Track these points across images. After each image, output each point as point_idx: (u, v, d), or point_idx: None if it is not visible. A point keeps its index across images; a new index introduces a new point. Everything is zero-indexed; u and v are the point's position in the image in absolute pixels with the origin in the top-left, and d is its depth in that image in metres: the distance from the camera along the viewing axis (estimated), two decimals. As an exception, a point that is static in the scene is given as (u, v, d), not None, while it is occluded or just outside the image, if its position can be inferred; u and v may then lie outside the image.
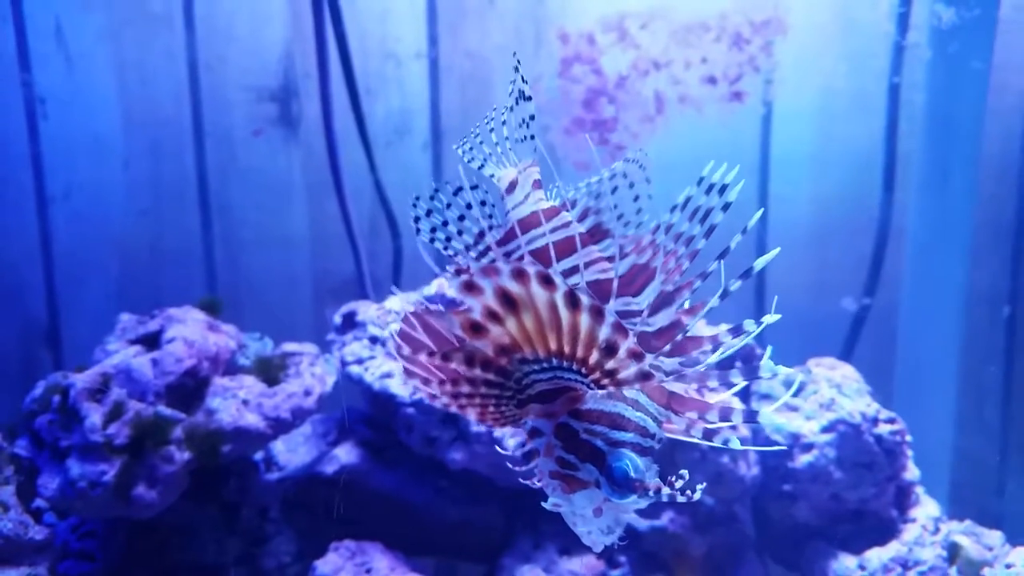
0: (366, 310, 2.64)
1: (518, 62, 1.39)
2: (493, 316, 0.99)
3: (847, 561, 2.55)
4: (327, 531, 2.53)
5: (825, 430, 2.53)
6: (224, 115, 3.89)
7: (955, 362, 3.53)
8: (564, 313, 0.98)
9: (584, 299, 0.97)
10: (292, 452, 2.67)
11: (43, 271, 3.91)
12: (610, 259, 1.18)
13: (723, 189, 1.11)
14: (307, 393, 2.35)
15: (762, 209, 1.13)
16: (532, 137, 1.34)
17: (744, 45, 3.06)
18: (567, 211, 1.28)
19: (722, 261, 1.05)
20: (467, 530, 2.62)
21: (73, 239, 3.91)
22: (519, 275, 0.96)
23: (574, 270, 1.14)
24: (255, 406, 2.30)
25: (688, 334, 1.06)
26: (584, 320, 0.98)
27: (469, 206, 1.31)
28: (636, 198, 1.30)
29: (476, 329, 1.01)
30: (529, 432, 1.10)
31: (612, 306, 1.04)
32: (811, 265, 3.90)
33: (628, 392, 1.05)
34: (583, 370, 1.04)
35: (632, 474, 1.02)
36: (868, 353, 3.62)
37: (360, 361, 2.53)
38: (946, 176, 3.32)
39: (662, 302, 1.10)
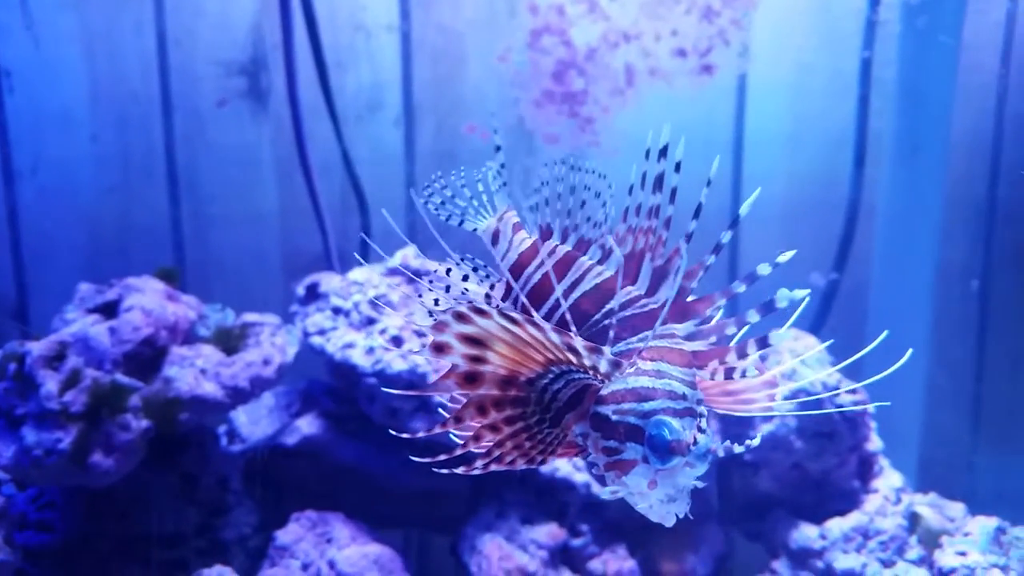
0: (329, 281, 2.62)
1: (495, 131, 1.39)
2: (475, 360, 1.00)
3: (808, 530, 2.57)
4: (289, 502, 2.52)
5: (786, 399, 2.53)
6: (193, 89, 3.84)
7: (925, 337, 3.55)
8: (517, 331, 1.00)
9: (516, 315, 0.99)
10: (255, 424, 2.65)
11: (10, 246, 3.86)
12: (600, 263, 1.21)
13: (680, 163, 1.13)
14: (266, 362, 2.34)
15: (759, 188, 1.14)
16: (505, 184, 1.37)
17: (714, 18, 3.04)
18: (550, 240, 1.30)
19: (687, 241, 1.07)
20: (432, 500, 2.61)
21: (41, 214, 3.87)
22: (461, 317, 0.97)
23: (575, 286, 1.18)
24: (213, 375, 2.28)
25: (695, 295, 1.08)
26: (532, 332, 1.00)
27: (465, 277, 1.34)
28: (598, 195, 1.31)
29: (471, 379, 1.02)
30: (581, 440, 1.10)
31: (616, 303, 1.08)
32: (785, 242, 3.90)
33: (646, 365, 1.06)
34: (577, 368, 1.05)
35: (670, 437, 1.01)
36: (839, 328, 3.64)
37: (322, 332, 2.51)
38: (916, 151, 3.32)
39: (659, 277, 1.13)
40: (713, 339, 1.10)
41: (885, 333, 1.21)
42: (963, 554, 2.59)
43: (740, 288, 1.07)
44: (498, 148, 1.37)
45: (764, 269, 1.04)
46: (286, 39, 3.07)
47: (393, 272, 2.62)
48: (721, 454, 1.04)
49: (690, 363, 1.08)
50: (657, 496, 1.04)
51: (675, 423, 1.02)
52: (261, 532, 2.53)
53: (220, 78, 3.83)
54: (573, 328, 1.08)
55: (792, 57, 3.63)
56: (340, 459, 2.53)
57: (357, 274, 2.62)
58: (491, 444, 1.06)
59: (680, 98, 3.27)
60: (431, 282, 1.40)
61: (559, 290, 1.16)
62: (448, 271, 1.34)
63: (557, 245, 1.25)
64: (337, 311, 2.54)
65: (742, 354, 1.06)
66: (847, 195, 3.49)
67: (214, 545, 2.49)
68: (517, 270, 1.25)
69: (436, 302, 1.34)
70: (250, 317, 2.52)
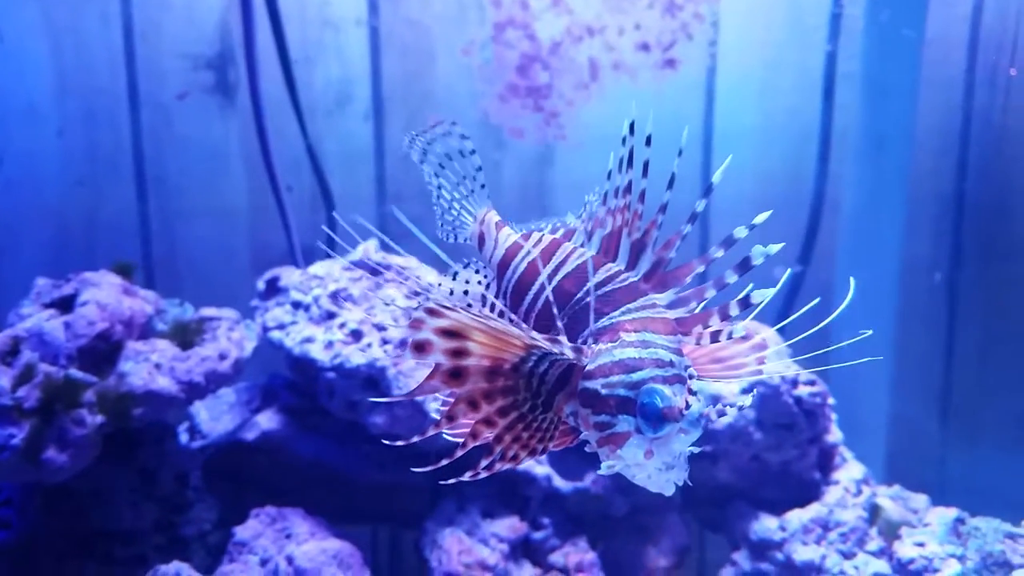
0: (289, 276, 2.61)
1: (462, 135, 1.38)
2: (457, 353, 0.99)
3: (768, 522, 2.58)
4: (250, 498, 2.51)
5: (745, 391, 2.54)
6: (160, 83, 3.81)
7: (891, 331, 3.58)
8: (486, 324, 1.00)
9: (479, 312, 1.00)
10: (215, 419, 2.64)
11: (-25, 242, 3.82)
12: (582, 245, 1.22)
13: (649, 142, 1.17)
14: (222, 357, 2.32)
15: (731, 156, 1.16)
16: (483, 186, 1.38)
17: (676, 12, 3.05)
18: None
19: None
20: (393, 495, 2.61)
21: (6, 209, 3.82)
22: (432, 312, 0.97)
23: (558, 269, 1.18)
24: (168, 369, 2.26)
25: (674, 265, 1.10)
26: (497, 325, 1.00)
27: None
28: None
29: (456, 375, 1.01)
30: (572, 419, 1.10)
31: (596, 279, 1.10)
32: (754, 237, 3.92)
33: (631, 336, 1.06)
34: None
35: (662, 404, 1.01)
36: (804, 322, 3.66)
37: (282, 326, 2.50)
38: (880, 146, 3.34)
39: (637, 251, 1.14)
40: (694, 305, 1.11)
41: (851, 287, 1.22)
42: (921, 545, 2.61)
43: (718, 253, 1.08)
44: (472, 151, 1.38)
45: (741, 232, 1.06)
46: (247, 33, 3.06)
47: (355, 266, 2.61)
48: (715, 418, 1.04)
49: (674, 331, 1.08)
50: (654, 465, 1.03)
51: (666, 390, 1.01)
52: (222, 528, 2.52)
53: (187, 72, 3.80)
54: (555, 310, 1.08)
55: (760, 52, 3.64)
56: (300, 454, 2.52)
57: (318, 268, 2.61)
58: (490, 439, 1.04)
59: (648, 94, 3.27)
60: (405, 279, 1.40)
61: (544, 273, 1.16)
62: (455, 275, 1.33)
63: (543, 235, 1.26)
64: (297, 305, 2.53)
65: (725, 315, 1.07)
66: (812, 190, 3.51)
67: (173, 541, 2.47)
68: (504, 265, 1.25)
69: (416, 296, 1.35)
70: (207, 312, 2.51)
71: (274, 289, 2.59)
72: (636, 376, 1.03)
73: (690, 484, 1.06)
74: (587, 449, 1.08)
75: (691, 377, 1.04)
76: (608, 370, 1.04)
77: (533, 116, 3.14)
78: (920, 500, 3.00)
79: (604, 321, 1.08)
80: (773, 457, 2.61)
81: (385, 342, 2.42)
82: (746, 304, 1.05)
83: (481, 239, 1.34)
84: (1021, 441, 3.96)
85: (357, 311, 2.47)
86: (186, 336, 2.38)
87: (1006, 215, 3.92)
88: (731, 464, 2.62)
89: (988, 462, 3.96)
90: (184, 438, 2.68)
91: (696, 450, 1.07)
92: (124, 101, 3.80)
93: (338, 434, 2.53)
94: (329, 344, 2.41)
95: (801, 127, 3.64)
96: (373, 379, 2.40)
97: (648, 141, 1.15)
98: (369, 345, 2.41)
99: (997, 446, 3.96)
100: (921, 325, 3.97)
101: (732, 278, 1.06)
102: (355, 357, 2.39)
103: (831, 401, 2.69)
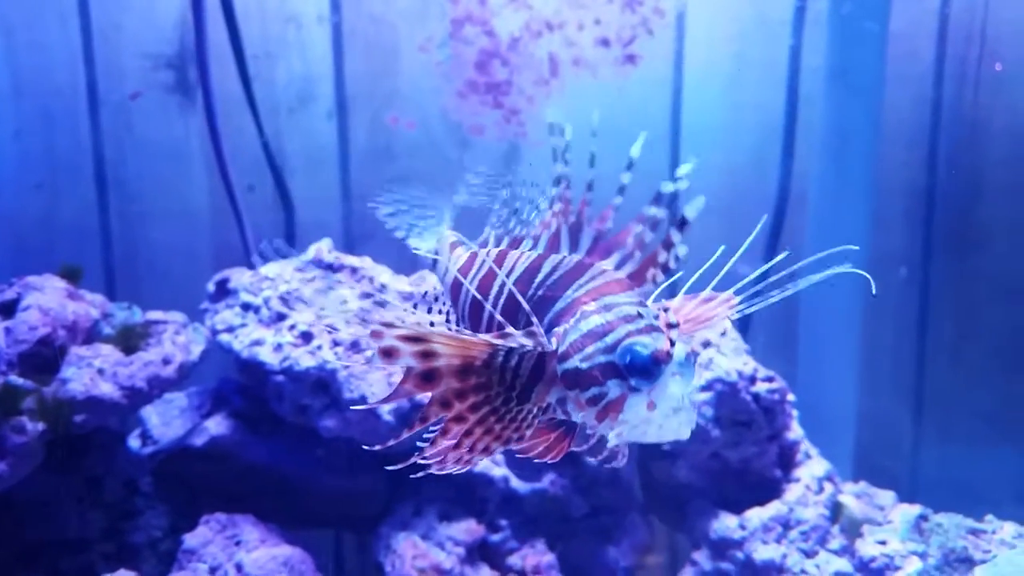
0: (240, 277, 2.56)
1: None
2: (425, 356, 0.98)
3: (728, 520, 2.55)
4: (202, 505, 2.46)
5: (703, 389, 2.52)
6: (119, 83, 3.75)
7: (858, 326, 3.56)
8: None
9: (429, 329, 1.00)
10: (166, 425, 2.59)
11: (-70, 245, 3.76)
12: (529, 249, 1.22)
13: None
14: (166, 362, 2.27)
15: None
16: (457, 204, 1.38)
17: (637, 7, 3.01)
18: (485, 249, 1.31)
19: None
20: (348, 499, 2.57)
21: (-37, 214, 3.77)
22: (390, 324, 0.97)
23: (508, 276, 1.18)
24: (110, 375, 2.21)
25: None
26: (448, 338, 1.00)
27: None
28: (531, 201, 1.30)
29: (427, 377, 1.00)
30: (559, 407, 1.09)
31: (543, 272, 1.11)
32: (723, 234, 3.90)
33: (591, 307, 1.05)
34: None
35: (646, 352, 1.00)
36: (771, 319, 3.63)
37: (231, 329, 2.45)
38: (846, 140, 3.32)
39: (576, 232, 1.16)
40: (638, 254, 1.10)
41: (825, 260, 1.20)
42: (883, 543, 2.59)
43: (653, 211, 1.09)
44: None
45: (667, 187, 1.07)
46: (198, 29, 3.02)
47: (306, 266, 2.56)
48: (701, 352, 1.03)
49: (631, 287, 1.08)
50: (661, 414, 1.01)
51: (644, 339, 1.01)
52: (173, 535, 2.47)
53: (147, 72, 3.75)
54: (520, 298, 1.07)
55: (727, 46, 3.61)
56: (251, 459, 2.48)
57: (268, 269, 2.57)
58: (460, 435, 1.02)
59: (610, 89, 3.24)
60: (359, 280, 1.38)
61: (499, 279, 1.14)
62: (414, 306, 1.32)
63: (489, 250, 1.25)
64: (247, 307, 2.48)
65: (668, 245, 1.07)
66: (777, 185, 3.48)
67: (122, 549, 2.43)
68: (457, 286, 1.24)
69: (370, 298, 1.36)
70: (154, 315, 2.46)
71: (224, 291, 2.54)
72: (610, 338, 1.02)
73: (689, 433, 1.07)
74: (589, 432, 1.07)
75: (672, 325, 1.02)
76: (580, 344, 1.03)
77: (493, 113, 3.10)
78: (886, 496, 2.98)
79: (560, 304, 1.07)
80: (732, 455, 2.58)
81: (336, 344, 2.38)
82: (683, 224, 1.06)
83: (435, 263, 1.34)
84: (994, 435, 3.95)
85: (308, 312, 2.42)
86: (131, 340, 2.33)
87: (977, 208, 3.91)
88: (690, 463, 2.59)
89: (960, 456, 3.95)
90: (136, 443, 2.64)
91: (698, 395, 1.07)
92: (83, 101, 3.74)
93: (290, 438, 2.48)
94: (278, 347, 2.36)
95: (768, 121, 3.61)
96: (323, 382, 2.36)
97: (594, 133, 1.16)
98: (319, 347, 2.36)
99: (969, 440, 3.95)
100: (892, 319, 3.96)
101: (660, 213, 1.07)
102: (304, 360, 2.35)
103: (790, 397, 2.67)
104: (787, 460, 2.68)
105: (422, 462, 1.05)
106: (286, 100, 3.76)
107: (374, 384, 2.34)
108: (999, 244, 3.89)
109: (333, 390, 2.35)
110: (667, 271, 1.07)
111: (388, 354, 0.96)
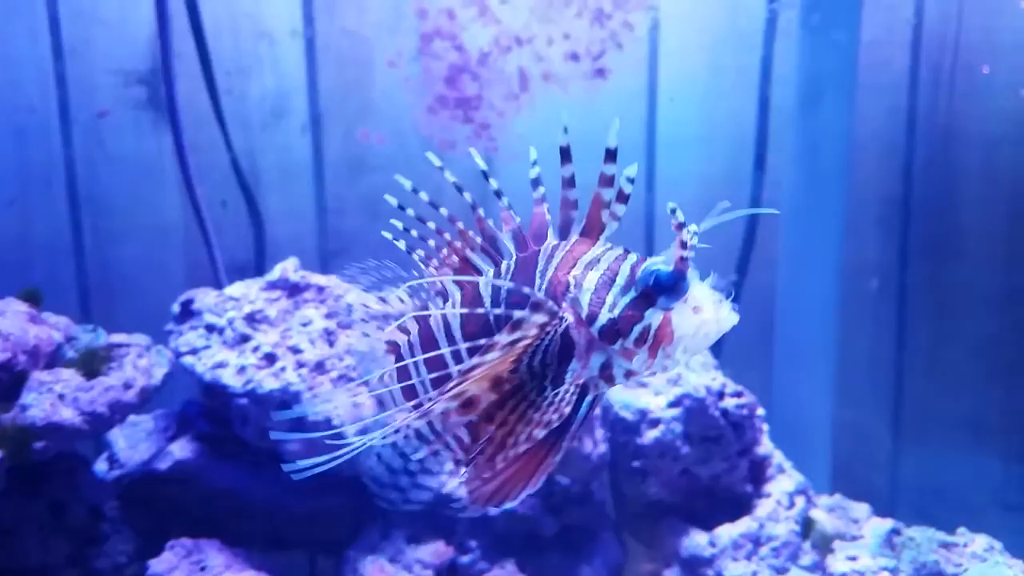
0: (204, 298, 2.54)
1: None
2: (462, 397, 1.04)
3: (698, 537, 2.54)
4: (168, 530, 2.44)
5: (671, 405, 2.51)
6: (91, 99, 3.74)
7: (834, 337, 3.55)
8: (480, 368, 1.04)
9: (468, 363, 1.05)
10: (133, 448, 2.57)
11: (-100, 264, 3.73)
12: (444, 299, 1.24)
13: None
14: (127, 386, 2.25)
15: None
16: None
17: (605, 21, 3.01)
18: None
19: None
20: (315, 522, 2.55)
21: (-66, 232, 3.74)
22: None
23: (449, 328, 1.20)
24: (71, 400, 2.19)
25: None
26: (488, 357, 1.04)
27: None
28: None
29: (469, 404, 1.05)
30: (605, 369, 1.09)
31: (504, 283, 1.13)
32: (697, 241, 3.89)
33: (576, 271, 1.08)
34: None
35: (667, 268, 1.03)
36: (747, 331, 3.63)
37: (194, 351, 2.43)
38: (816, 149, 3.32)
39: (492, 243, 1.18)
40: (615, 225, 1.11)
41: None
42: (854, 559, 2.58)
43: (605, 168, 1.07)
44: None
45: (612, 140, 1.07)
46: (163, 45, 3.00)
47: (272, 286, 2.55)
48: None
49: (593, 240, 1.11)
50: (710, 310, 1.04)
51: (657, 260, 1.05)
52: (138, 561, 2.45)
53: (119, 88, 3.73)
54: (536, 277, 1.09)
55: (702, 57, 3.61)
56: (216, 483, 2.46)
57: (233, 289, 2.55)
58: (503, 433, 1.05)
59: (580, 103, 3.23)
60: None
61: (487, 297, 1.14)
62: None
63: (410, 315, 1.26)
64: (211, 328, 2.46)
65: (607, 182, 1.07)
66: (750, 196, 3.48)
67: (87, 575, 2.40)
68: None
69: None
70: (117, 338, 2.44)
71: (188, 312, 2.52)
72: (621, 279, 1.05)
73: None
74: (647, 375, 1.08)
75: (684, 243, 1.03)
76: (598, 299, 1.05)
77: (463, 128, 3.09)
78: (861, 509, 2.97)
79: (539, 292, 1.08)
80: (703, 471, 2.57)
81: (300, 365, 2.36)
82: (610, 155, 1.07)
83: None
84: (973, 442, 3.96)
85: (272, 333, 2.41)
86: (93, 364, 2.31)
87: (953, 216, 3.92)
88: (660, 479, 2.58)
89: (940, 464, 3.95)
90: (103, 467, 2.61)
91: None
92: (55, 118, 3.72)
93: (255, 461, 2.46)
94: (242, 369, 2.34)
95: (742, 131, 3.61)
96: (287, 404, 2.34)
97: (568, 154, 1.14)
98: (283, 369, 2.35)
99: (949, 448, 3.95)
100: (870, 328, 3.96)
101: (611, 169, 1.07)
102: (268, 382, 2.33)
103: (760, 412, 2.66)
104: (758, 475, 2.67)
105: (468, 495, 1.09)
106: (260, 115, 3.74)
107: (339, 406, 2.32)
108: (975, 252, 3.90)
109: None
110: (622, 200, 1.08)
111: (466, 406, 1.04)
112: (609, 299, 1.04)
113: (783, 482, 2.68)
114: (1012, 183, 3.88)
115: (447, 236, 1.18)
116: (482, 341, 1.06)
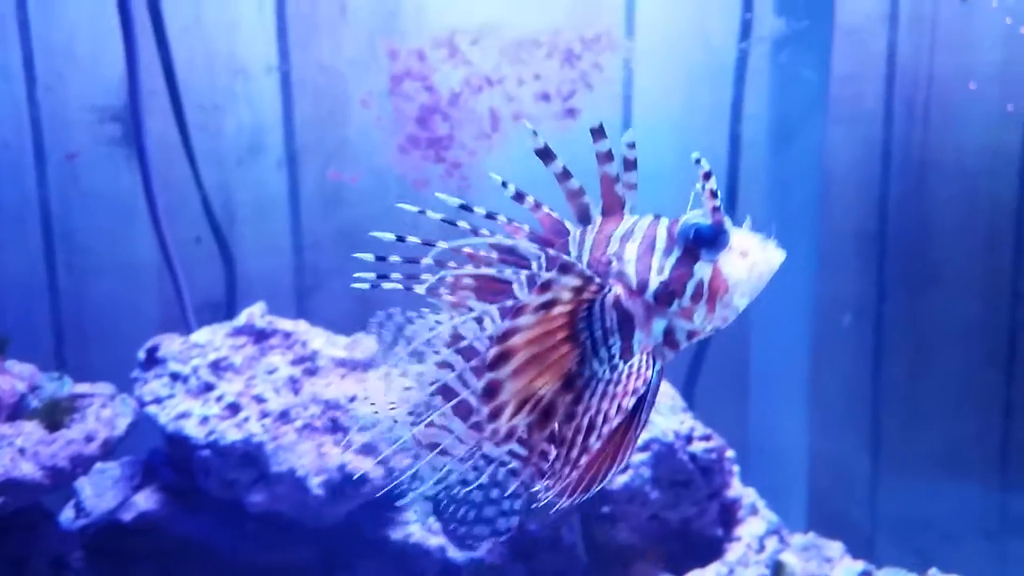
0: (169, 345, 2.53)
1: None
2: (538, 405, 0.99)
3: (669, 583, 2.53)
4: (134, 578, 2.41)
5: (640, 450, 2.50)
6: (65, 136, 3.73)
7: (806, 370, 3.56)
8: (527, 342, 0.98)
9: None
10: (99, 496, 2.54)
11: None
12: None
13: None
14: (89, 439, 2.23)
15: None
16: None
17: (576, 61, 3.02)
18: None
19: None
20: (280, 574, 2.52)
21: (-92, 270, 3.72)
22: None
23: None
24: (32, 455, 2.17)
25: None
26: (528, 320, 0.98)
27: None
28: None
29: (546, 415, 1.01)
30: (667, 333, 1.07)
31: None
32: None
33: (614, 247, 1.07)
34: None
35: (706, 221, 1.04)
36: (723, 366, 3.63)
37: (158, 400, 2.42)
38: (787, 188, 3.33)
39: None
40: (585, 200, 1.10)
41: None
42: (823, 602, 2.57)
43: (599, 145, 1.06)
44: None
45: (595, 123, 1.05)
46: (132, 83, 2.99)
47: (238, 332, 2.53)
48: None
49: (619, 216, 1.09)
50: (757, 251, 1.05)
51: (693, 215, 1.05)
52: (103, 612, 2.42)
53: (93, 125, 3.73)
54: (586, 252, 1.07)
55: (676, 94, 3.62)
56: (180, 534, 2.43)
57: (199, 336, 2.53)
58: (588, 419, 1.01)
59: (561, 141, 3.23)
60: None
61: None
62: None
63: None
64: (175, 377, 2.45)
65: (606, 158, 1.06)
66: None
67: (49, 629, 2.37)
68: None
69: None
70: (81, 388, 2.42)
71: (153, 360, 2.51)
72: (660, 242, 1.05)
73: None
74: (710, 330, 1.06)
75: (713, 192, 1.04)
76: (644, 266, 1.04)
77: (435, 167, 3.10)
78: (835, 548, 2.96)
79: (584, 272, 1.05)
80: (672, 515, 2.56)
81: (264, 415, 2.34)
82: (597, 132, 1.07)
83: None
84: (952, 472, 3.96)
85: (237, 382, 2.39)
86: (56, 415, 2.29)
87: (928, 247, 3.94)
88: (630, 525, 2.56)
89: (921, 494, 3.95)
90: (70, 515, 2.59)
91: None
92: (29, 155, 3.71)
93: (219, 512, 2.44)
94: (204, 419, 2.33)
95: (715, 168, 3.62)
96: (250, 455, 2.32)
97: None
98: (247, 419, 2.33)
99: (929, 478, 3.95)
100: (846, 361, 3.96)
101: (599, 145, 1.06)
102: (230, 433, 2.31)
103: (729, 454, 2.65)
104: (728, 518, 2.66)
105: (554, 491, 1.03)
106: (235, 150, 3.74)
107: (303, 456, 2.30)
108: (951, 283, 3.92)
109: (260, 463, 2.31)
110: (631, 167, 1.08)
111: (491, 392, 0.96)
112: (655, 264, 1.04)
113: (754, 525, 2.66)
114: (988, 215, 3.90)
115: (452, 264, 1.13)
116: (509, 303, 1.03)
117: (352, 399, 2.31)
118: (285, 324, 2.56)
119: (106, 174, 3.73)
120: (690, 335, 1.06)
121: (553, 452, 1.04)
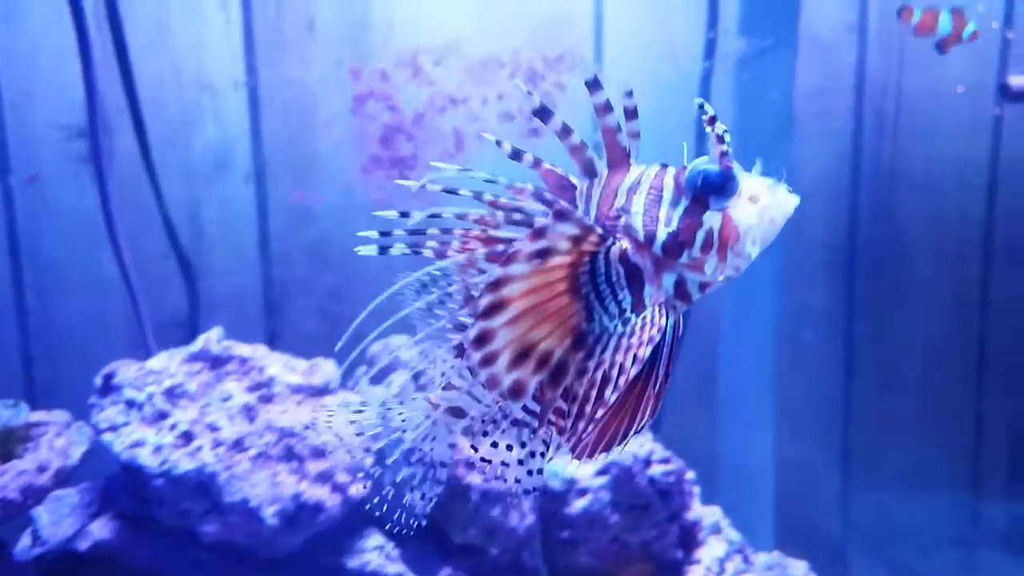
0: (125, 371, 2.51)
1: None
2: (543, 362, 0.94)
3: (628, 607, 2.53)
4: (90, 607, 2.40)
5: (599, 473, 2.50)
6: (32, 154, 3.71)
7: (772, 384, 3.57)
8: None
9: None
10: (56, 524, 2.52)
11: None
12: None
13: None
14: (41, 469, 2.22)
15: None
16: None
17: (539, 81, 3.02)
18: None
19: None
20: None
21: None
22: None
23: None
24: (-19, 487, 2.16)
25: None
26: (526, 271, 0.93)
27: None
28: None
29: (556, 375, 0.96)
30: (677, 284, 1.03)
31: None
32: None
33: (621, 201, 1.03)
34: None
35: (714, 167, 0.99)
36: (690, 379, 3.64)
37: (114, 428, 2.40)
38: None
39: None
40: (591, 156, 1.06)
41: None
42: (783, 623, 2.58)
43: (595, 98, 1.01)
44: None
45: (588, 73, 1.02)
46: (90, 98, 2.98)
47: (194, 358, 2.52)
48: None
49: (625, 168, 1.05)
50: (768, 196, 1.01)
51: (700, 161, 1.00)
52: (59, 641, 2.40)
53: (60, 142, 3.71)
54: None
55: (641, 112, 3.62)
56: (135, 563, 2.42)
57: (155, 362, 2.52)
58: (602, 373, 0.97)
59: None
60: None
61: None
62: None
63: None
64: (131, 404, 2.43)
65: (603, 110, 1.02)
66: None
67: (3, 659, 2.35)
68: None
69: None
70: (36, 416, 2.40)
71: (109, 386, 2.49)
72: (668, 193, 1.00)
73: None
74: (722, 281, 1.02)
75: (720, 138, 0.99)
76: (651, 218, 1.00)
77: (399, 187, 3.09)
78: (799, 567, 2.98)
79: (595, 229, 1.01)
80: (632, 539, 2.56)
81: (218, 444, 2.33)
82: (592, 85, 1.02)
83: None
84: (923, 483, 3.98)
85: (192, 409, 2.38)
86: (9, 446, 2.28)
87: (898, 259, 3.95)
88: (590, 549, 2.56)
89: (892, 506, 3.97)
90: (27, 542, 2.57)
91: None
92: (-5, 174, 3.69)
93: (174, 541, 2.42)
94: (158, 448, 2.31)
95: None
96: (204, 485, 2.31)
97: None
98: (200, 448, 2.32)
99: (900, 490, 3.97)
100: (814, 373, 3.97)
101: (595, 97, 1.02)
102: (184, 463, 2.30)
103: (689, 476, 2.66)
104: (689, 540, 2.67)
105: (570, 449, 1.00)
106: (203, 167, 3.73)
107: (257, 485, 2.29)
108: (921, 295, 3.93)
109: (213, 493, 2.30)
110: (631, 116, 1.03)
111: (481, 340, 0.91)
112: (662, 215, 0.99)
113: (715, 547, 2.67)
114: (957, 227, 3.92)
115: (457, 230, 1.09)
116: (500, 247, 1.00)
117: (307, 427, 2.30)
118: (242, 349, 2.55)
119: (73, 191, 3.71)
120: (702, 287, 1.02)
121: (569, 409, 0.99)
